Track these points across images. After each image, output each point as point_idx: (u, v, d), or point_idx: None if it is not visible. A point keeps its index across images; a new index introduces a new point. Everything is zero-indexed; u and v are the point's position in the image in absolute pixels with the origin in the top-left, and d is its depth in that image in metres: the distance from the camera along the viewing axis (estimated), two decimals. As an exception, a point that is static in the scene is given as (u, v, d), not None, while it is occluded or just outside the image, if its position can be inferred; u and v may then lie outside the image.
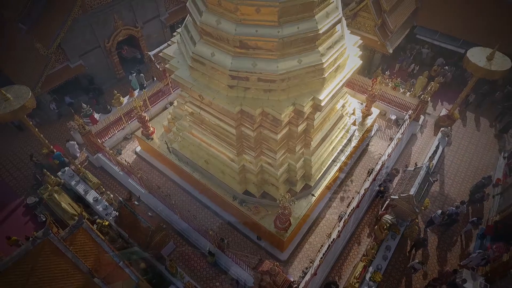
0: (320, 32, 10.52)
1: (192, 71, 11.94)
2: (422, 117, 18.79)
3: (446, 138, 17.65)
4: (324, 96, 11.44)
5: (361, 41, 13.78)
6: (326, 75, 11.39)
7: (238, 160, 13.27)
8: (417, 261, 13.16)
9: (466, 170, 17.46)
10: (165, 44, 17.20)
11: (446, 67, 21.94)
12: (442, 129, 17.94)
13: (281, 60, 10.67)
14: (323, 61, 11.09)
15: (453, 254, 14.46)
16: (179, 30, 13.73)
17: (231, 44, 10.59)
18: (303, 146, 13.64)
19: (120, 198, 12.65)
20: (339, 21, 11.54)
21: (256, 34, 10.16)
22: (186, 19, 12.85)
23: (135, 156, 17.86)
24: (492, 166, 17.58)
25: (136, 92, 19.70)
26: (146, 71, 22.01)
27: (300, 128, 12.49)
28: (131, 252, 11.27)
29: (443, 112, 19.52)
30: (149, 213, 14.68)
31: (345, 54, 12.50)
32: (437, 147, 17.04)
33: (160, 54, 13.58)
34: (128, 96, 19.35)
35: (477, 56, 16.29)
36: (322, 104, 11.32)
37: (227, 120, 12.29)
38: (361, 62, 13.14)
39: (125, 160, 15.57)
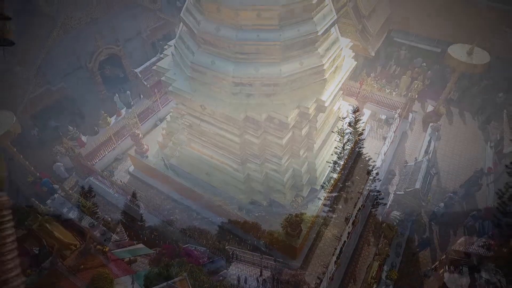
0: (319, 33, 10.64)
1: (191, 82, 11.67)
2: (410, 114, 19.32)
3: (436, 132, 18.18)
4: (326, 96, 11.52)
5: (352, 43, 14.09)
6: (326, 76, 11.48)
7: (242, 169, 12.98)
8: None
9: (459, 162, 17.99)
10: (154, 59, 16.92)
11: (424, 64, 22.76)
12: (431, 124, 18.47)
13: (283, 64, 10.66)
14: (323, 62, 11.19)
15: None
16: (171, 42, 13.50)
17: (232, 51, 10.48)
18: (306, 150, 13.57)
19: (123, 220, 11.95)
20: (334, 23, 11.74)
21: (258, 38, 10.13)
22: (179, 30, 12.64)
23: (128, 176, 17.09)
24: (481, 156, 18.21)
25: (123, 111, 19.10)
26: (130, 89, 21.41)
27: (304, 131, 12.45)
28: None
29: (430, 108, 20.17)
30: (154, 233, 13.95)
31: (341, 55, 12.70)
32: (429, 142, 17.49)
33: (154, 67, 13.23)
34: (115, 116, 18.72)
35: (457, 52, 17.06)
36: (326, 104, 11.38)
37: (230, 129, 12.04)
38: (355, 62, 13.42)
39: (121, 181, 14.85)
